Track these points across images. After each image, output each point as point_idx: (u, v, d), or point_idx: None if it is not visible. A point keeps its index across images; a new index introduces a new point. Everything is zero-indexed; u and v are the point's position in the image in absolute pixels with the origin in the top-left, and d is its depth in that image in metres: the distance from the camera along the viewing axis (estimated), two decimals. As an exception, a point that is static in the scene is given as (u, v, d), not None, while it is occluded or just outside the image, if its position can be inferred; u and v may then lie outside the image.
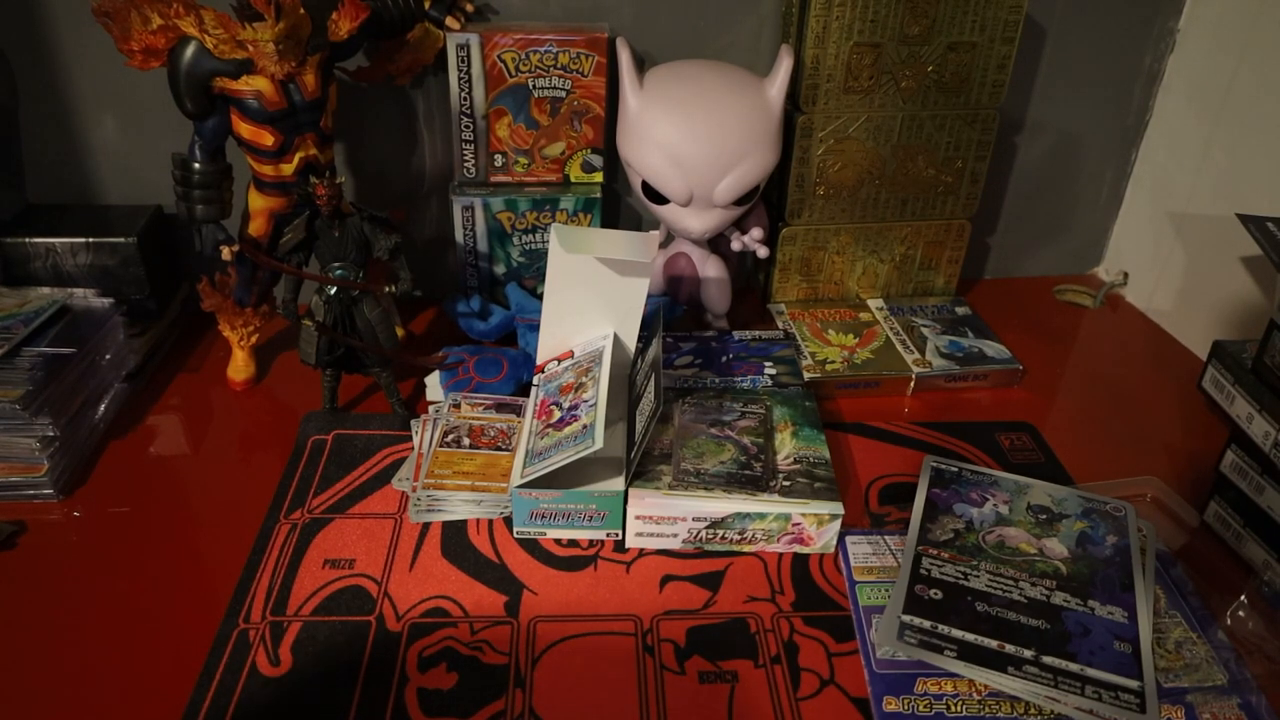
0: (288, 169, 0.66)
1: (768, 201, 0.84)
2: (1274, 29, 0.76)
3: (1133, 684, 0.48)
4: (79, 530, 0.61)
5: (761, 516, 0.58)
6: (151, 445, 0.70)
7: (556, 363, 0.65)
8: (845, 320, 0.85)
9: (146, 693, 0.50)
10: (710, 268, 0.80)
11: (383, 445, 0.68)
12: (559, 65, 0.75)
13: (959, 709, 0.49)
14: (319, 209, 0.64)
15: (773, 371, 0.73)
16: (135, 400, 0.74)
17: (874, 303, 0.88)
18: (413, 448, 0.67)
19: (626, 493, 0.58)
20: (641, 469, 0.60)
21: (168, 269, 0.82)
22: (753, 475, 0.60)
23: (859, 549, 0.59)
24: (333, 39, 0.65)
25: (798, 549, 0.60)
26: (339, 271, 0.66)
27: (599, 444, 0.55)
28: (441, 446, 0.64)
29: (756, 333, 0.79)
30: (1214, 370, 0.64)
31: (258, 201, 0.69)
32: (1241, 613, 0.56)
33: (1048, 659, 0.50)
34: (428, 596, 0.56)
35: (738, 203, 0.74)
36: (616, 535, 0.60)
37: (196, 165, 0.66)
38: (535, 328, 0.71)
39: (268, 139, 0.64)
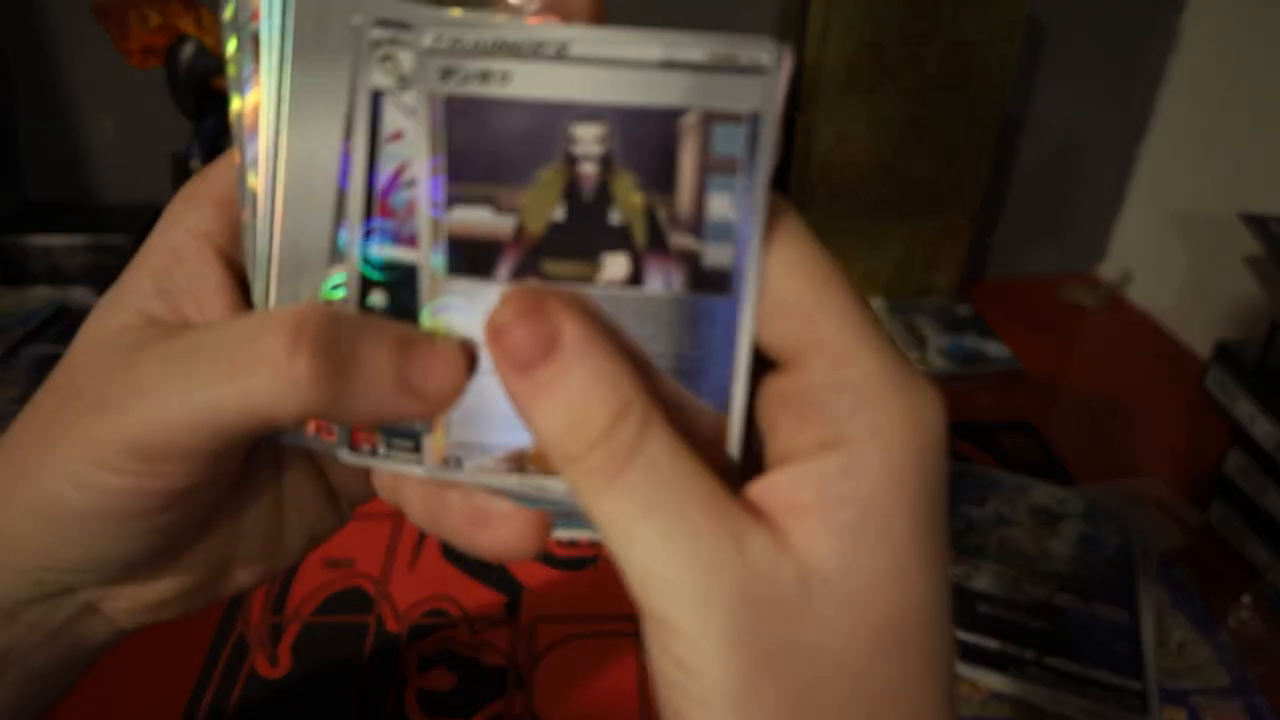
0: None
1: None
2: (1279, 27, 0.75)
3: (1134, 685, 0.48)
4: (77, 531, 0.61)
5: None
6: (150, 445, 0.69)
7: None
8: (846, 320, 0.84)
9: (143, 695, 0.49)
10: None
11: (382, 445, 0.68)
12: (559, 64, 0.75)
13: (959, 709, 0.48)
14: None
15: (773, 371, 0.72)
16: (134, 400, 0.74)
17: (875, 302, 0.88)
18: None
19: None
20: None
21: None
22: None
23: (860, 550, 0.59)
24: (332, 38, 0.65)
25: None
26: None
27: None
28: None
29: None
30: (1217, 371, 0.64)
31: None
32: (1244, 614, 0.56)
33: (1049, 660, 0.49)
34: (427, 597, 0.55)
35: (738, 202, 0.74)
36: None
37: (196, 164, 0.66)
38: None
39: (267, 138, 0.64)
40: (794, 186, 0.81)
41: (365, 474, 0.27)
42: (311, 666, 0.51)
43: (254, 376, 0.19)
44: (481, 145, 0.19)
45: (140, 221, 0.76)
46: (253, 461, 0.25)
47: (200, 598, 0.26)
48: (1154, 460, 0.71)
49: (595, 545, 0.60)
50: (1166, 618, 0.54)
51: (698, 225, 0.19)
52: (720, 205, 0.19)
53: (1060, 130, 0.90)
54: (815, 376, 0.19)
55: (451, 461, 0.22)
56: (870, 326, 0.19)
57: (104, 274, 0.75)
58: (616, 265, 0.20)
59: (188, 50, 0.61)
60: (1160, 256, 0.91)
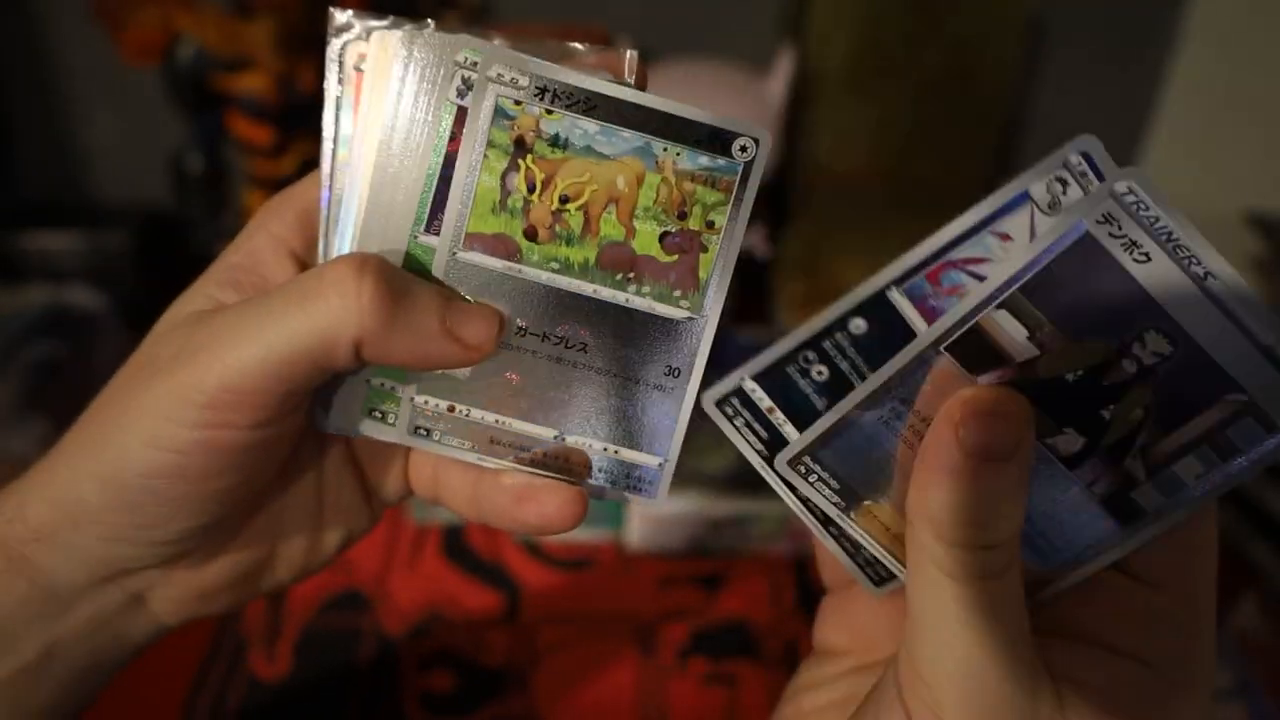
0: (285, 167, 0.66)
1: (768, 201, 0.84)
2: None
3: (1138, 687, 0.48)
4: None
5: (763, 517, 0.58)
6: (148, 445, 0.69)
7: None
8: (846, 320, 0.84)
9: (139, 699, 0.49)
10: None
11: (381, 445, 0.68)
12: (559, 63, 0.75)
13: None
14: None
15: (774, 371, 0.72)
16: (132, 400, 0.73)
17: (875, 302, 0.87)
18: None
19: (627, 493, 0.58)
20: (642, 469, 0.60)
21: (164, 268, 0.82)
22: (755, 475, 0.59)
23: (861, 550, 0.58)
24: (331, 36, 0.65)
25: (801, 549, 0.59)
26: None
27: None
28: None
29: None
30: (1218, 370, 0.63)
31: (255, 200, 0.68)
32: (1247, 616, 0.55)
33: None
34: (426, 597, 0.55)
35: (739, 201, 0.74)
36: (617, 535, 0.59)
37: (193, 163, 0.66)
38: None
39: (265, 136, 0.64)
40: (794, 186, 0.81)
41: (402, 473, 0.28)
42: (310, 667, 0.50)
43: (323, 300, 0.21)
44: (1073, 285, 0.21)
45: (138, 220, 0.76)
46: (297, 452, 0.27)
47: (242, 591, 0.27)
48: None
49: (594, 545, 0.59)
50: (1169, 619, 0.54)
51: (1157, 469, 0.21)
52: (1190, 470, 0.21)
53: (1062, 129, 0.90)
54: (1160, 601, 0.22)
55: (801, 466, 0.25)
56: (1213, 591, 0.22)
57: (101, 273, 0.75)
58: (1070, 443, 0.21)
59: (186, 49, 0.61)
60: (1161, 256, 0.91)
